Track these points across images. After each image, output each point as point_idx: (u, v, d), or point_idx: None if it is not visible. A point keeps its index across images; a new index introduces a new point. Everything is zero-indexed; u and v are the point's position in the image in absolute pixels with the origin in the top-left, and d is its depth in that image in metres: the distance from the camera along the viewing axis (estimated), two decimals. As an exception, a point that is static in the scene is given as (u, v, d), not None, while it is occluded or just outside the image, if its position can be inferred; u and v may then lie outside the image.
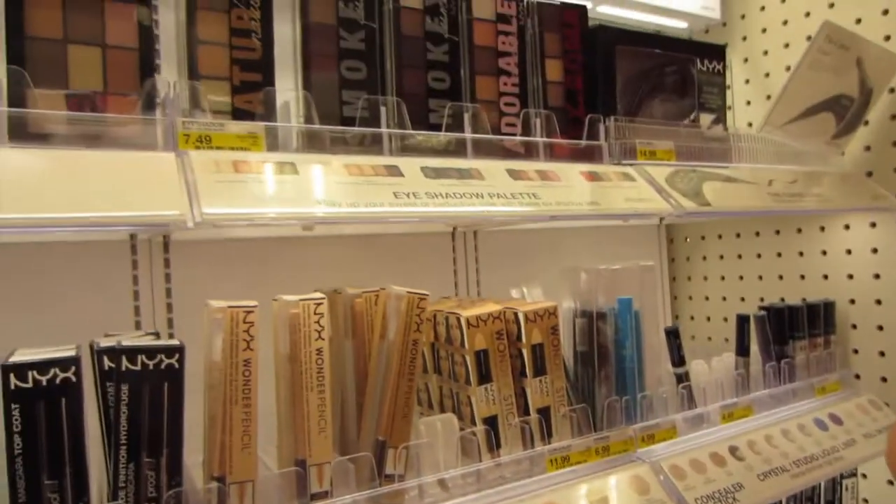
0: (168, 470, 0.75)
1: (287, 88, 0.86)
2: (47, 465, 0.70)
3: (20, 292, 1.06)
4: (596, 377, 1.09)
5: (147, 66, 0.78)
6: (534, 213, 0.84)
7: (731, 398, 1.22)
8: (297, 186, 0.72)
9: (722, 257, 1.75)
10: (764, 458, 1.12)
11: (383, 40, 0.90)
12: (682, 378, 1.17)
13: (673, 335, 1.19)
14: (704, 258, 1.79)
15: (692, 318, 1.83)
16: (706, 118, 1.26)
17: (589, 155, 1.04)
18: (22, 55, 0.72)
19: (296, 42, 0.86)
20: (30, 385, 0.70)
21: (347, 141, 0.84)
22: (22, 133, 0.69)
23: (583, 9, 1.15)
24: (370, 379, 0.90)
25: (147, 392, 0.74)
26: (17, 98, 0.71)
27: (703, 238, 1.79)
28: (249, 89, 0.82)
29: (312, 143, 0.82)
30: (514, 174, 0.89)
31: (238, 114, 0.81)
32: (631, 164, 1.05)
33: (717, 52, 1.32)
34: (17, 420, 0.69)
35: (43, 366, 0.70)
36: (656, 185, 0.99)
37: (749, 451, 1.12)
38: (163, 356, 0.74)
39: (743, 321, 1.29)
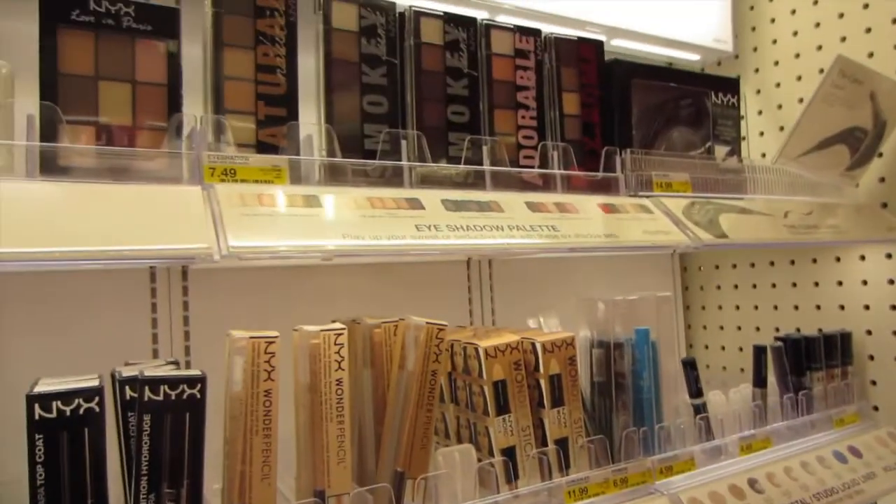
0: (188, 501, 0.75)
1: (310, 122, 0.87)
2: (69, 495, 0.70)
3: (40, 318, 1.07)
4: (613, 408, 1.08)
5: (174, 101, 0.80)
6: (553, 245, 0.84)
7: (748, 430, 1.20)
8: (321, 219, 0.73)
9: (736, 287, 1.74)
10: (783, 491, 1.11)
11: (404, 75, 0.92)
12: (699, 409, 1.17)
13: (690, 366, 1.18)
14: (719, 287, 1.79)
15: (706, 347, 1.82)
16: (721, 150, 1.27)
17: (606, 187, 1.05)
18: (55, 91, 0.74)
19: (319, 76, 0.88)
20: (53, 415, 0.70)
21: (369, 173, 0.85)
22: (52, 166, 0.71)
23: (599, 44, 1.17)
24: (388, 409, 0.90)
25: (169, 422, 0.74)
26: (48, 132, 0.72)
27: (717, 267, 1.79)
28: (274, 123, 0.84)
29: (334, 175, 0.84)
30: (533, 206, 0.90)
31: (262, 147, 0.83)
32: (648, 196, 1.06)
33: (732, 86, 1.33)
34: (40, 450, 0.69)
35: (66, 396, 0.71)
36: (673, 217, 0.99)
37: (769, 483, 1.11)
38: (185, 386, 0.75)
39: (760, 352, 1.28)
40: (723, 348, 1.78)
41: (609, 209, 0.97)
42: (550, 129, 1.07)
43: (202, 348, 1.17)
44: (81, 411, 0.71)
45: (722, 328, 1.78)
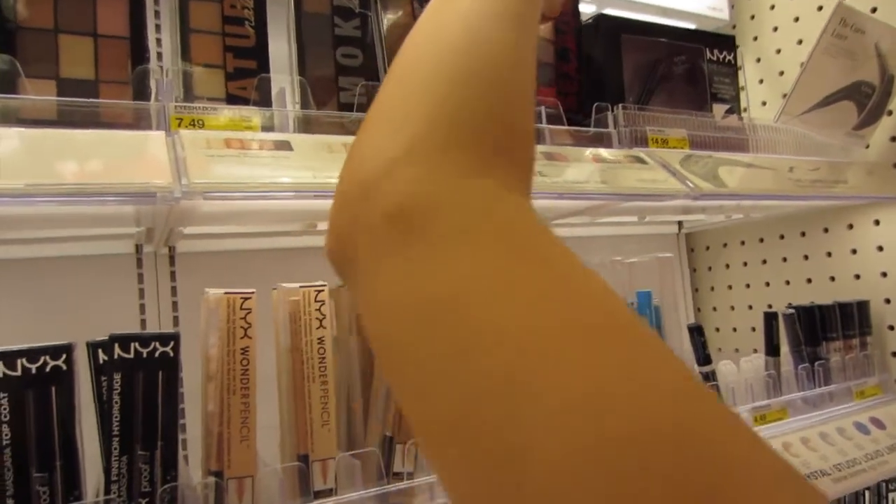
0: (163, 463, 0.71)
1: (282, 75, 0.85)
2: (36, 456, 0.67)
3: (22, 309, 1.05)
4: (616, 375, 1.03)
5: (138, 55, 0.78)
6: (540, 190, 0.80)
7: (761, 400, 1.15)
8: (292, 161, 0.70)
9: (746, 264, 1.68)
10: (802, 461, 1.05)
11: (380, 27, 0.89)
12: (708, 377, 1.11)
13: (697, 332, 1.13)
14: (727, 266, 1.73)
15: (717, 329, 1.75)
16: (719, 108, 1.22)
17: (597, 142, 1.01)
18: (13, 45, 0.72)
19: (289, 31, 0.85)
20: (18, 373, 0.67)
21: (345, 126, 0.82)
22: (12, 121, 0.68)
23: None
24: (376, 373, 0.86)
25: (141, 381, 0.71)
26: (7, 86, 0.70)
27: (724, 245, 1.73)
28: (243, 76, 0.81)
29: (309, 129, 0.81)
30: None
31: (232, 100, 0.80)
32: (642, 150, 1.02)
33: (727, 42, 1.29)
34: (4, 409, 0.67)
35: (33, 354, 0.68)
36: (670, 168, 0.95)
37: (785, 452, 1.05)
38: (157, 344, 0.72)
39: (771, 318, 1.23)
40: (734, 329, 1.71)
41: (601, 160, 0.93)
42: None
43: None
44: (48, 369, 0.68)
45: (733, 308, 1.72)
